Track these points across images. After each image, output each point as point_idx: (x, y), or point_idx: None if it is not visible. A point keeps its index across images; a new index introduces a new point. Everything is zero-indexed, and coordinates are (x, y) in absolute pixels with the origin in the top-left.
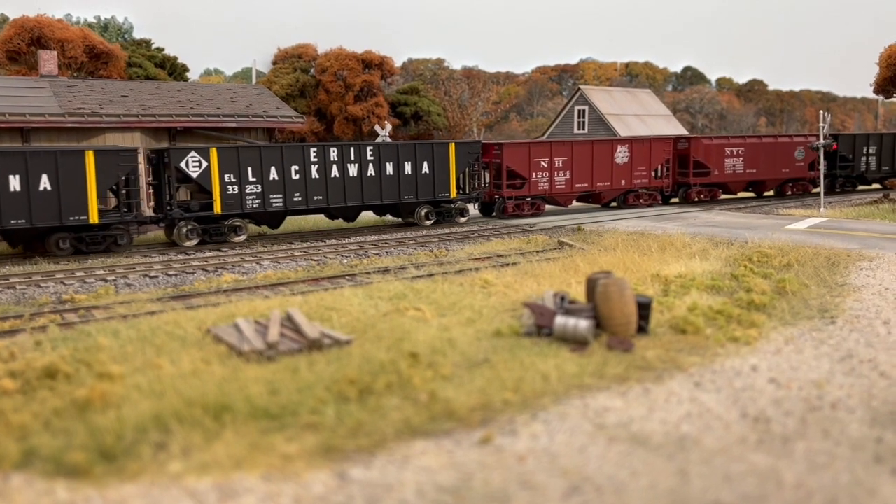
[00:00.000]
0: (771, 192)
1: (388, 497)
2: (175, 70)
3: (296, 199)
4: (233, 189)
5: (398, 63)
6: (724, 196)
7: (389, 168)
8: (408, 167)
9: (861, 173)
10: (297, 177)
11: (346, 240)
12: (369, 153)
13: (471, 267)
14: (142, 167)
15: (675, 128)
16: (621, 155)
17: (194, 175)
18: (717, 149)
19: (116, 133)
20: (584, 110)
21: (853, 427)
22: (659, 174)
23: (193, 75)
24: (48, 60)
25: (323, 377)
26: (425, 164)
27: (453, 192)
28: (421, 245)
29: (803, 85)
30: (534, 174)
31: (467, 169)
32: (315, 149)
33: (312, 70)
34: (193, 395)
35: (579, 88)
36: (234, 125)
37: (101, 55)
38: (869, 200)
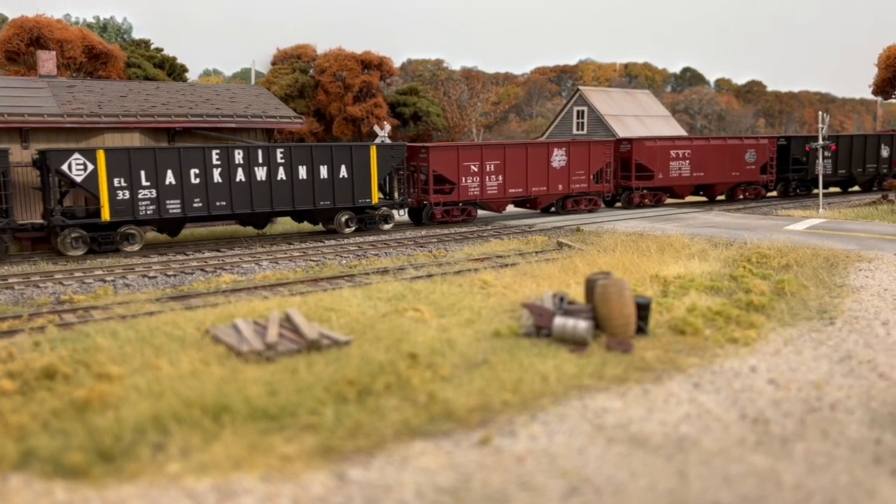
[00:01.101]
0: (722, 197)
1: (387, 498)
2: (174, 70)
3: (196, 204)
4: (123, 194)
5: (397, 64)
6: (670, 200)
7: (303, 172)
8: (323, 171)
9: (816, 177)
10: (198, 181)
11: (345, 241)
12: (279, 156)
13: (470, 268)
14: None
15: (674, 128)
16: (558, 159)
17: (78, 179)
18: (662, 151)
19: (115, 133)
20: (583, 111)
21: (852, 428)
22: (600, 178)
23: (192, 76)
24: (47, 61)
25: (322, 378)
26: (343, 167)
27: (375, 198)
28: (420, 246)
29: (802, 86)
30: (463, 179)
31: (392, 173)
32: (217, 151)
33: (311, 70)
34: (192, 395)
35: (578, 89)
36: (233, 126)
37: (99, 55)
38: (868, 201)
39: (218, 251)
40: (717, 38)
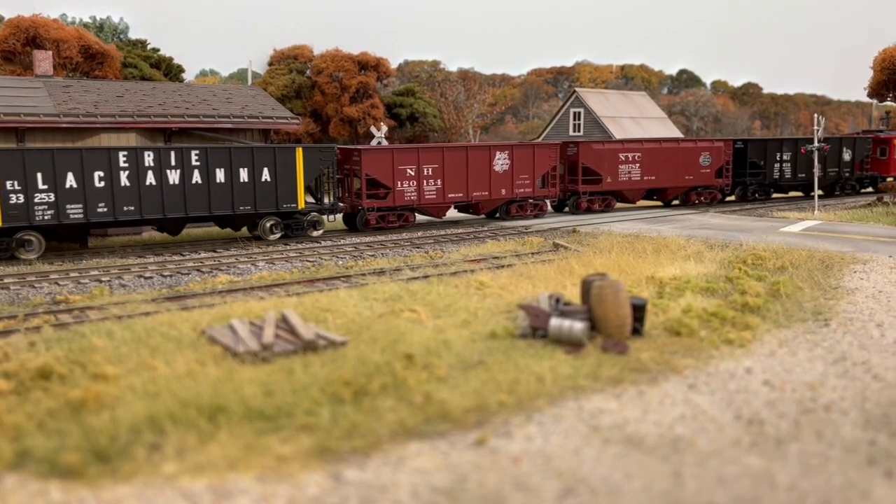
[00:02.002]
0: (677, 202)
1: (383, 498)
2: (171, 71)
3: (100, 209)
4: (17, 198)
5: (394, 65)
6: (620, 205)
7: (220, 175)
8: (244, 174)
9: (774, 181)
10: (102, 184)
11: (342, 241)
12: (194, 158)
13: (466, 269)
14: None
15: (670, 130)
16: (500, 162)
17: None
18: (610, 154)
19: (111, 133)
20: (579, 112)
21: (846, 429)
22: (545, 182)
23: (189, 76)
24: (43, 60)
25: (318, 378)
26: (266, 170)
27: (302, 203)
28: (416, 247)
29: (798, 88)
30: (399, 183)
31: (321, 177)
32: (125, 153)
33: (308, 71)
34: (188, 396)
35: (575, 91)
36: (229, 126)
37: (96, 55)
38: (863, 203)
39: (214, 252)
40: (714, 41)
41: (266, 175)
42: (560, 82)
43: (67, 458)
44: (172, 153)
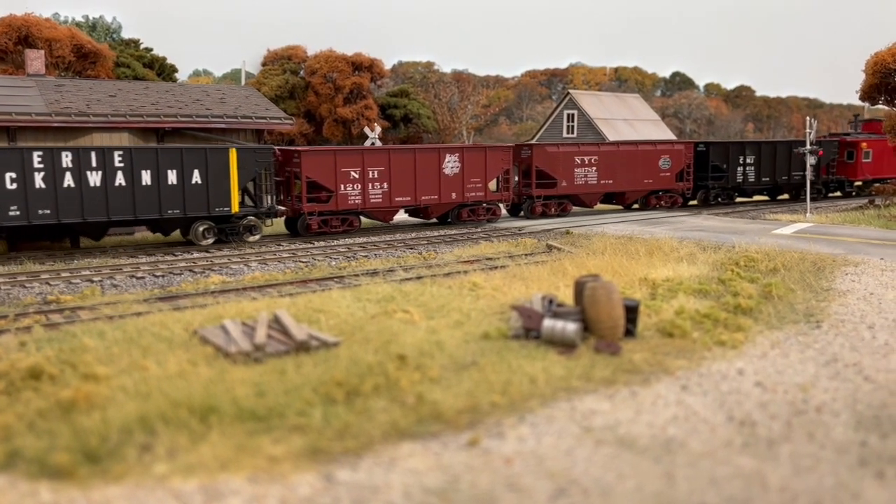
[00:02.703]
0: (637, 206)
1: (375, 499)
2: (164, 70)
3: (12, 212)
4: None
5: (388, 66)
6: (576, 208)
7: (146, 177)
8: (172, 176)
9: (738, 185)
10: (14, 186)
11: (335, 242)
12: (117, 159)
13: (459, 270)
14: None
15: (663, 132)
16: (450, 165)
17: None
18: (565, 157)
19: (104, 133)
20: (573, 114)
21: (838, 430)
22: (498, 186)
23: (182, 76)
24: (35, 59)
25: (310, 379)
26: (196, 172)
27: (235, 207)
28: (410, 248)
29: (790, 91)
30: (342, 186)
31: (258, 179)
32: (40, 153)
33: (302, 72)
34: (179, 396)
35: (568, 93)
36: (222, 126)
37: (88, 55)
38: (855, 206)
39: (206, 252)
40: (707, 44)
41: (197, 177)
42: (554, 84)
43: (58, 458)
44: (93, 153)
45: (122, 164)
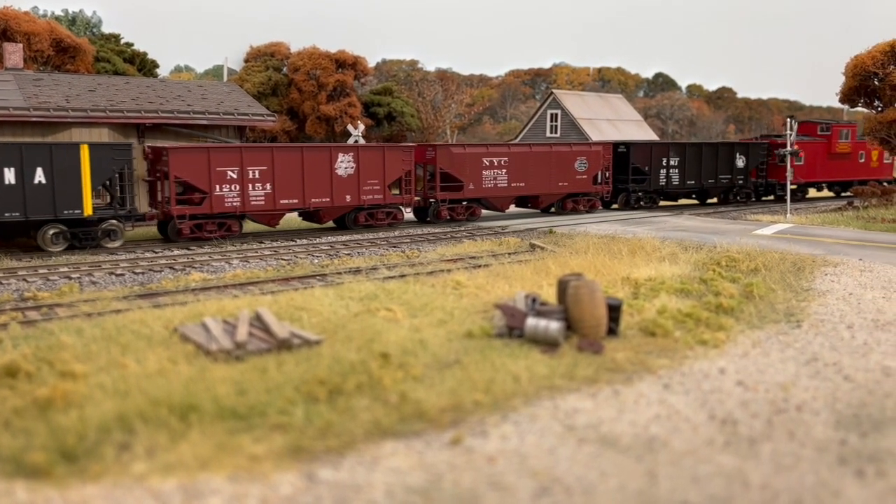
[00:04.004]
0: (553, 209)
1: (357, 498)
2: (144, 66)
3: None
4: None
5: (372, 63)
6: (486, 212)
7: None
8: (10, 176)
9: (661, 188)
10: None
11: (317, 239)
12: None
13: (443, 268)
14: None
15: (646, 133)
16: (344, 165)
17: None
18: (472, 159)
19: (83, 128)
20: (556, 114)
21: (818, 429)
22: (398, 189)
23: (163, 71)
24: (13, 53)
25: (292, 377)
26: (40, 171)
27: (88, 209)
28: (393, 246)
29: (771, 93)
30: (217, 187)
31: (116, 179)
32: None
33: (285, 69)
34: (159, 394)
35: (552, 92)
36: (204, 122)
37: (68, 49)
38: (834, 208)
39: (187, 249)
40: (690, 45)
41: (40, 176)
42: (537, 84)
43: (34, 457)
44: None
45: None
